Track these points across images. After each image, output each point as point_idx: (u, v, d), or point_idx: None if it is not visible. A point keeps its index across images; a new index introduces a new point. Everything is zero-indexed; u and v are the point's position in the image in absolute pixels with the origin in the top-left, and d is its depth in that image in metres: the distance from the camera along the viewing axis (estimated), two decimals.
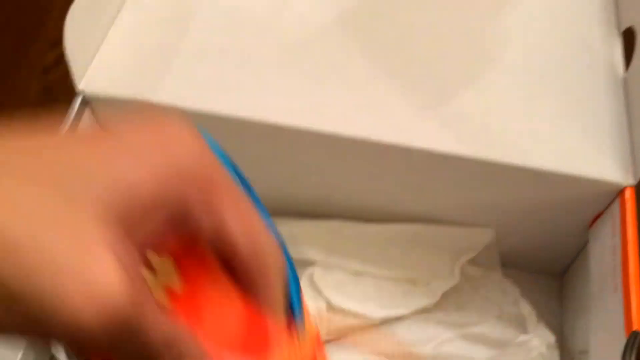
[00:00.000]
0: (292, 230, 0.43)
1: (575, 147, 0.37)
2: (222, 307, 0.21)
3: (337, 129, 0.37)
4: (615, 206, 0.36)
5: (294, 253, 0.41)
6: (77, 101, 0.37)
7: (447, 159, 0.37)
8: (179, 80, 0.38)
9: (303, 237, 0.43)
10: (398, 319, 0.42)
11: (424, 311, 0.42)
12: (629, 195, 0.36)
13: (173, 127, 0.18)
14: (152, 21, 0.41)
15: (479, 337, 0.41)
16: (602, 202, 0.38)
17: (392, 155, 0.38)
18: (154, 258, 0.19)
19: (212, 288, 0.20)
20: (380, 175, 0.40)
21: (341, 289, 0.42)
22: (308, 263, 0.43)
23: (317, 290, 0.42)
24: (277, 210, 0.41)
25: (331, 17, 0.42)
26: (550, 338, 0.40)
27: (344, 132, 0.37)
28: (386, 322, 0.42)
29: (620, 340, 0.32)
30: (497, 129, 0.38)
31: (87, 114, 0.37)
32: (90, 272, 0.15)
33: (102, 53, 0.39)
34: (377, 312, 0.41)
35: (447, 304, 0.42)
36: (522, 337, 0.39)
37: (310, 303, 0.41)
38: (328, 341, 0.41)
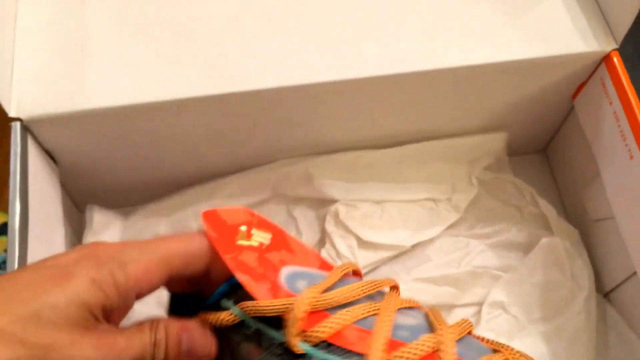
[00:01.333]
0: (308, 168, 0.41)
1: (547, 27, 0.36)
2: (297, 244, 0.30)
3: (325, 76, 0.35)
4: (603, 73, 0.36)
5: (313, 192, 0.41)
6: (17, 129, 0.34)
7: (436, 73, 0.36)
8: (113, 77, 0.35)
9: (321, 174, 0.41)
10: (428, 241, 0.41)
11: (450, 227, 0.42)
12: (616, 59, 0.35)
13: None
14: (56, 26, 0.36)
15: (507, 244, 0.42)
16: (584, 73, 0.37)
17: (387, 85, 0.36)
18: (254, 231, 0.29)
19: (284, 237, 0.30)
20: (376, 106, 0.38)
21: (368, 223, 0.41)
22: (330, 202, 0.41)
23: (345, 228, 0.41)
24: (292, 150, 0.40)
25: None
26: (574, 232, 0.41)
27: (337, 77, 0.35)
28: (418, 247, 0.41)
29: None
30: (465, 33, 0.36)
31: (30, 139, 0.35)
32: None
33: (18, 74, 0.35)
34: (407, 240, 0.41)
35: (469, 215, 0.42)
36: (544, 240, 0.40)
37: (341, 242, 0.41)
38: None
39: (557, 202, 0.45)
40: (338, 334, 0.25)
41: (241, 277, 0.26)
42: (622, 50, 0.35)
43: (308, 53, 0.36)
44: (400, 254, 0.41)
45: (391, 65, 0.35)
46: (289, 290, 0.27)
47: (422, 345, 0.25)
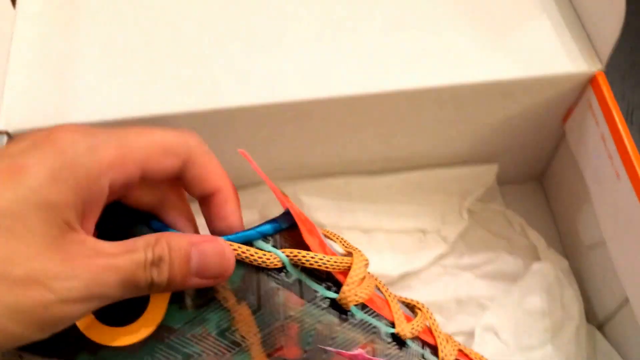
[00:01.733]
0: (297, 192, 0.41)
1: (532, 48, 0.37)
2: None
3: (311, 94, 0.36)
4: (590, 95, 0.36)
5: None
6: (4, 142, 0.34)
7: (422, 92, 0.36)
8: (101, 92, 0.36)
9: (310, 198, 0.41)
10: (415, 271, 0.41)
11: (438, 257, 0.41)
12: (602, 80, 0.35)
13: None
14: (45, 42, 0.38)
15: (495, 274, 0.41)
16: (572, 95, 0.38)
17: (373, 103, 0.37)
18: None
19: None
20: (363, 126, 0.39)
21: None
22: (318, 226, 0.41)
23: None
24: (281, 175, 0.41)
25: None
26: (564, 262, 0.41)
27: (321, 94, 0.36)
28: (404, 276, 0.41)
29: None
30: (452, 53, 0.37)
31: None
32: None
33: (7, 88, 0.36)
34: (394, 269, 0.41)
35: (457, 246, 0.42)
36: (536, 266, 0.40)
37: None
38: None
39: (552, 230, 0.45)
40: (370, 298, 0.27)
41: (300, 224, 0.26)
42: (613, 61, 0.35)
43: (293, 71, 0.36)
44: (387, 283, 0.41)
45: (375, 83, 0.36)
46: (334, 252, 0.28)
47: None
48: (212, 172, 0.26)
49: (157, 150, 0.24)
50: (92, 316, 0.23)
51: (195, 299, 0.24)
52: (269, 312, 0.25)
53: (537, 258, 0.42)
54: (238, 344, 0.24)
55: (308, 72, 0.36)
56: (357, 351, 0.26)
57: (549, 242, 0.42)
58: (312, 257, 0.26)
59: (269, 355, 0.25)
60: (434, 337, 0.30)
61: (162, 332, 0.23)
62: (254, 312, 0.24)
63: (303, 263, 0.25)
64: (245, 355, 0.24)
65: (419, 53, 0.37)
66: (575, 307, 0.39)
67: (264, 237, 0.26)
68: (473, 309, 0.40)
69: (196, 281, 0.23)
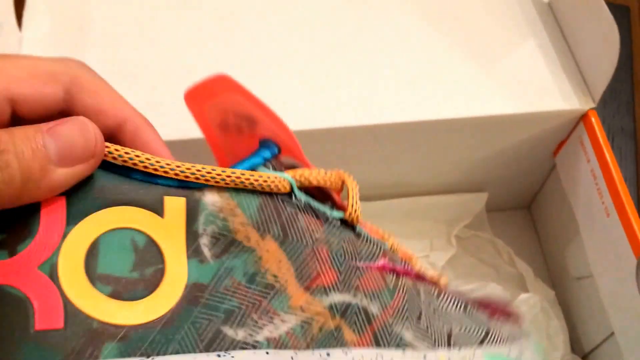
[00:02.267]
0: None
1: (527, 84, 0.37)
2: None
3: (298, 124, 0.35)
4: (582, 131, 0.37)
5: None
6: None
7: (415, 125, 0.36)
8: None
9: None
10: None
11: None
12: (594, 118, 0.36)
13: None
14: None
15: None
16: (564, 130, 0.38)
17: (363, 135, 0.37)
18: None
19: None
20: (356, 155, 0.39)
21: None
22: None
23: None
24: None
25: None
26: (550, 293, 0.41)
27: (310, 125, 0.36)
28: None
29: (629, 263, 0.33)
30: (447, 86, 0.37)
31: None
32: None
33: None
34: None
35: (445, 272, 0.42)
36: (523, 296, 0.40)
37: None
38: None
39: (539, 258, 0.45)
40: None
41: (292, 142, 0.24)
42: None
43: (286, 100, 0.36)
44: None
45: (368, 115, 0.36)
46: None
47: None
48: (108, 100, 0.22)
49: (27, 77, 0.20)
50: (102, 295, 0.19)
51: (213, 247, 0.21)
52: (296, 239, 0.23)
53: (524, 287, 0.42)
54: (271, 286, 0.22)
55: (299, 102, 0.36)
56: (382, 262, 0.25)
57: (536, 271, 0.42)
58: (314, 174, 0.24)
59: (307, 288, 0.22)
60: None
61: (193, 292, 0.20)
62: (281, 244, 0.22)
63: (310, 182, 0.23)
64: (283, 297, 0.22)
65: (414, 86, 0.37)
66: (560, 338, 0.40)
67: (264, 163, 0.24)
68: None
69: (64, 172, 0.19)
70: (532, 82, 0.37)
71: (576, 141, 0.37)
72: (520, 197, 0.46)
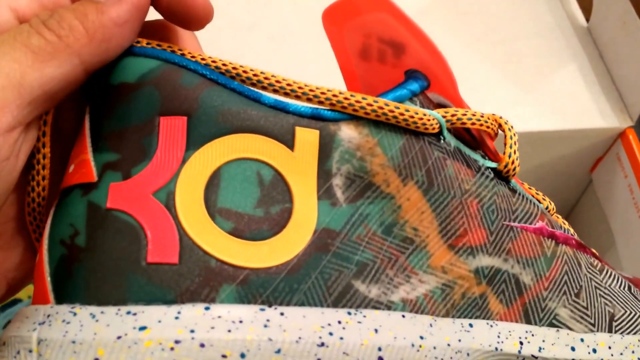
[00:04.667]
0: None
1: (566, 102, 0.38)
2: None
3: None
4: (619, 149, 0.38)
5: None
6: None
7: None
8: None
9: None
10: None
11: None
12: (632, 136, 0.37)
13: None
14: None
15: None
16: (602, 147, 0.39)
17: None
18: None
19: None
20: None
21: None
22: None
23: None
24: None
25: None
26: None
27: None
28: None
29: None
30: (492, 105, 0.38)
31: None
32: None
33: None
34: None
35: None
36: None
37: None
38: None
39: None
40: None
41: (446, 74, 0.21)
42: None
43: None
44: None
45: None
46: None
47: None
48: None
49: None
50: (222, 231, 0.17)
51: (347, 189, 0.19)
52: (442, 189, 0.19)
53: None
54: (411, 241, 0.19)
55: None
56: (539, 224, 0.21)
57: None
58: (469, 115, 0.20)
59: (451, 247, 0.19)
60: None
61: (323, 238, 0.18)
62: (425, 193, 0.19)
63: (464, 123, 0.20)
64: (423, 255, 0.19)
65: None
66: None
67: (410, 97, 0.20)
68: None
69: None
70: (572, 101, 0.38)
71: (613, 158, 0.39)
72: (557, 211, 0.43)
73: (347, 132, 0.19)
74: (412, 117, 0.19)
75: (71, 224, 0.17)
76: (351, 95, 0.18)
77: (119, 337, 0.15)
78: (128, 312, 0.15)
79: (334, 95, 0.18)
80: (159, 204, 0.17)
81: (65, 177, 0.18)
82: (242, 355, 0.15)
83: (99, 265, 0.16)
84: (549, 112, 0.37)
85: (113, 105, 0.17)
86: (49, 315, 0.16)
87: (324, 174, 0.18)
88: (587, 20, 0.42)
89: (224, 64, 0.18)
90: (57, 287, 0.16)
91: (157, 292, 0.16)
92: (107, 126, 0.17)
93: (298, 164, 0.18)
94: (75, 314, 0.15)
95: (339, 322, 0.17)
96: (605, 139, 0.38)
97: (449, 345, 0.18)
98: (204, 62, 0.18)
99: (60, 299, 0.16)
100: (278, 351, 0.16)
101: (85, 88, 0.18)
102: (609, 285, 0.22)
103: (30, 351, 0.15)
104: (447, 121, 0.20)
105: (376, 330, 0.17)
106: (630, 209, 0.37)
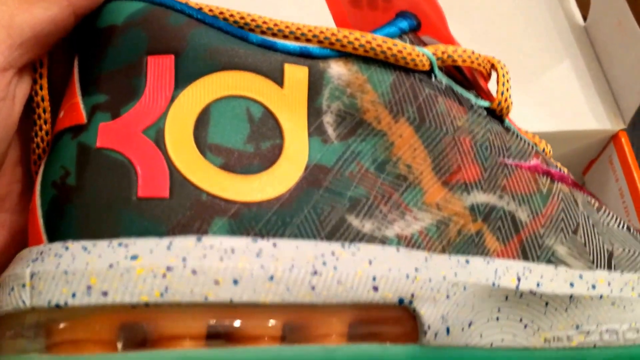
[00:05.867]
0: None
1: (559, 103, 0.37)
2: None
3: None
4: (611, 151, 0.38)
5: None
6: None
7: None
8: None
9: None
10: None
11: None
12: (624, 139, 0.37)
13: None
14: None
15: None
16: (595, 150, 0.39)
17: None
18: None
19: None
20: None
21: None
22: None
23: None
24: None
25: None
26: None
27: None
28: None
29: None
30: None
31: None
32: None
33: None
34: None
35: None
36: None
37: None
38: None
39: None
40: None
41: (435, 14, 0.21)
42: None
43: None
44: None
45: None
46: None
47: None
48: None
49: None
50: (213, 166, 0.17)
51: (338, 127, 0.19)
52: (434, 125, 0.19)
53: None
54: (404, 178, 0.19)
55: None
56: (534, 162, 0.21)
57: None
58: (459, 52, 0.20)
59: (445, 183, 0.19)
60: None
61: (315, 174, 0.18)
62: (417, 129, 0.19)
63: (454, 60, 0.20)
64: (417, 192, 0.19)
65: None
66: None
67: (400, 35, 0.20)
68: None
69: None
70: (565, 102, 0.37)
71: (606, 160, 0.38)
72: None
73: (337, 69, 0.19)
74: (400, 52, 0.19)
75: (62, 166, 0.17)
76: (338, 31, 0.18)
77: (111, 266, 0.15)
78: (120, 244, 0.15)
79: (321, 32, 0.18)
80: (149, 140, 0.17)
81: (57, 123, 0.18)
82: (235, 282, 0.15)
83: (90, 203, 0.16)
84: (542, 112, 0.37)
85: (101, 48, 0.18)
86: (41, 252, 0.16)
87: (314, 111, 0.18)
88: (585, 19, 0.41)
89: (210, 10, 0.18)
90: (50, 228, 0.16)
91: (148, 225, 0.16)
92: (95, 69, 0.17)
93: (288, 101, 0.18)
94: (67, 248, 0.16)
95: (333, 254, 0.17)
96: (598, 141, 0.38)
97: (444, 278, 0.18)
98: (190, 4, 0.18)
99: (52, 239, 0.16)
100: (271, 278, 0.16)
101: (77, 41, 0.19)
102: (607, 224, 0.22)
103: (24, 286, 0.15)
104: (438, 59, 0.20)
105: (370, 262, 0.17)
106: (620, 212, 0.37)
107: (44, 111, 0.18)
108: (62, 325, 0.15)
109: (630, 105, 0.38)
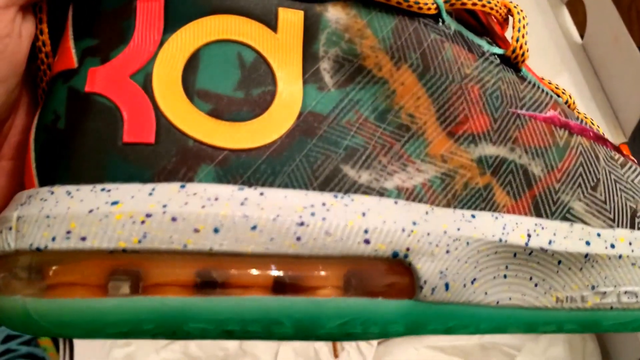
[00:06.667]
0: None
1: None
2: None
3: None
4: None
5: None
6: None
7: None
8: None
9: None
10: None
11: None
12: (625, 152, 0.34)
13: None
14: None
15: None
16: None
17: None
18: None
19: None
20: None
21: None
22: None
23: None
24: None
25: None
26: None
27: None
28: None
29: None
30: None
31: None
32: None
33: None
34: None
35: None
36: None
37: None
38: None
39: None
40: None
41: None
42: None
43: None
44: None
45: None
46: None
47: None
48: None
49: None
50: (201, 112, 0.16)
51: (336, 73, 0.18)
52: (439, 73, 0.18)
53: None
54: (406, 128, 0.18)
55: None
56: (550, 113, 0.20)
57: None
58: None
59: (451, 134, 0.18)
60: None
61: (309, 122, 0.17)
62: (420, 77, 0.18)
63: (464, 3, 0.19)
64: (420, 142, 0.18)
65: None
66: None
67: None
68: (497, 356, 0.40)
69: None
70: None
71: None
72: None
73: (334, 13, 0.18)
74: None
75: (54, 110, 0.17)
76: None
77: (90, 211, 0.15)
78: (102, 189, 0.15)
79: None
80: (136, 85, 0.16)
81: (52, 68, 0.18)
82: (216, 230, 0.15)
83: (76, 147, 0.16)
84: None
85: None
86: (30, 196, 0.16)
87: (310, 57, 0.18)
88: (582, 36, 0.42)
89: None
90: (41, 172, 0.16)
91: (133, 171, 0.16)
92: (87, 13, 0.17)
93: (282, 46, 0.17)
94: (52, 193, 0.15)
95: (323, 204, 0.16)
96: None
97: (445, 232, 0.17)
98: None
99: (43, 184, 0.16)
100: (254, 227, 0.15)
101: None
102: (632, 180, 0.21)
103: (10, 228, 0.15)
104: (446, 1, 0.19)
105: (364, 214, 0.17)
106: None
107: (47, 56, 0.18)
108: (53, 268, 0.15)
109: (630, 118, 0.38)
